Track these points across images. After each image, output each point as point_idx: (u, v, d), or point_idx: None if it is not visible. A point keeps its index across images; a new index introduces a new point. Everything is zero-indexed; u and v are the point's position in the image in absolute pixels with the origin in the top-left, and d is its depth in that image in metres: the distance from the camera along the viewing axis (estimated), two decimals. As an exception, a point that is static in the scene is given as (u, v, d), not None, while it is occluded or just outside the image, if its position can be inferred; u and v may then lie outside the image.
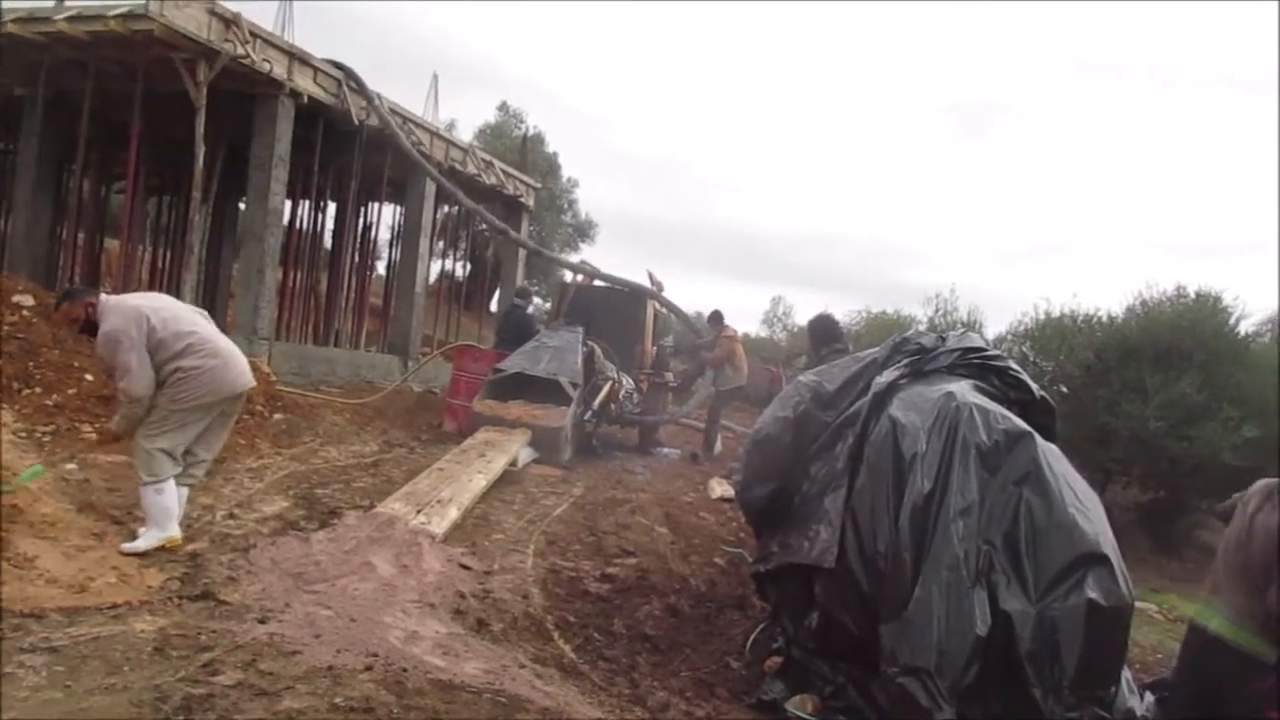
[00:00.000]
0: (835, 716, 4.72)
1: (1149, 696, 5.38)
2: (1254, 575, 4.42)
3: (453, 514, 6.59)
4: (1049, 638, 4.52)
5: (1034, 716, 4.44)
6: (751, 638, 5.55)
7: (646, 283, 14.30)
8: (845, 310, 29.83)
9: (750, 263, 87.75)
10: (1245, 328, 15.80)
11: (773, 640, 5.43)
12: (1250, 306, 22.25)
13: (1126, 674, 5.32)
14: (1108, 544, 4.87)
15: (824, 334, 7.25)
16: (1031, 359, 16.17)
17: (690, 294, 57.47)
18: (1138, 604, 5.75)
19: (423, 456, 9.15)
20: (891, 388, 5.31)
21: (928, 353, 5.68)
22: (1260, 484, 4.80)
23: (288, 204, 15.01)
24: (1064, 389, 15.24)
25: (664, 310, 14.90)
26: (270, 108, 12.49)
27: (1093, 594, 4.59)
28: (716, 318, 13.66)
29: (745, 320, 41.58)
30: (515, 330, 12.23)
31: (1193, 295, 15.42)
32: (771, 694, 4.90)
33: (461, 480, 7.49)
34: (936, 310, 21.01)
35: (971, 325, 18.07)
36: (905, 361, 5.58)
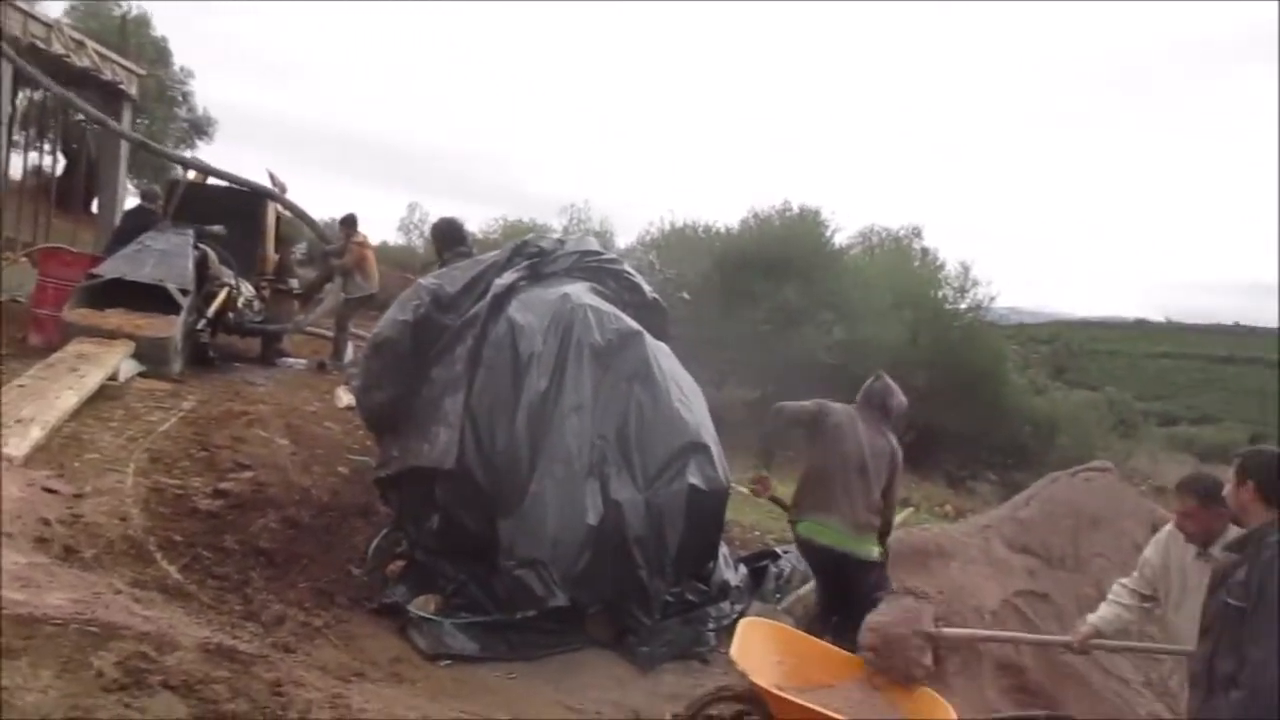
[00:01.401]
0: (457, 613, 4.81)
1: (743, 569, 5.96)
2: (871, 492, 4.84)
3: (35, 434, 5.91)
4: (655, 522, 4.87)
5: (640, 595, 4.78)
6: (374, 544, 5.48)
7: (267, 183, 13.40)
8: (483, 219, 29.75)
9: (397, 170, 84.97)
10: (839, 240, 17.67)
11: (396, 545, 5.41)
12: (841, 220, 24.82)
13: (724, 550, 5.85)
14: (708, 434, 5.29)
15: (447, 237, 7.13)
16: (658, 267, 17.09)
17: (326, 199, 54.72)
18: (742, 489, 6.30)
19: (1, 374, 8.11)
20: (511, 289, 5.38)
21: (547, 255, 5.80)
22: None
23: None
24: (686, 295, 16.27)
25: (288, 213, 14.05)
26: None
27: (694, 479, 4.99)
28: (350, 221, 13.01)
29: (383, 228, 40.37)
30: (140, 234, 10.91)
31: (796, 209, 16.96)
32: (394, 597, 4.91)
33: (47, 397, 6.71)
34: (571, 220, 21.63)
35: (601, 235, 18.78)
36: (525, 264, 5.66)
